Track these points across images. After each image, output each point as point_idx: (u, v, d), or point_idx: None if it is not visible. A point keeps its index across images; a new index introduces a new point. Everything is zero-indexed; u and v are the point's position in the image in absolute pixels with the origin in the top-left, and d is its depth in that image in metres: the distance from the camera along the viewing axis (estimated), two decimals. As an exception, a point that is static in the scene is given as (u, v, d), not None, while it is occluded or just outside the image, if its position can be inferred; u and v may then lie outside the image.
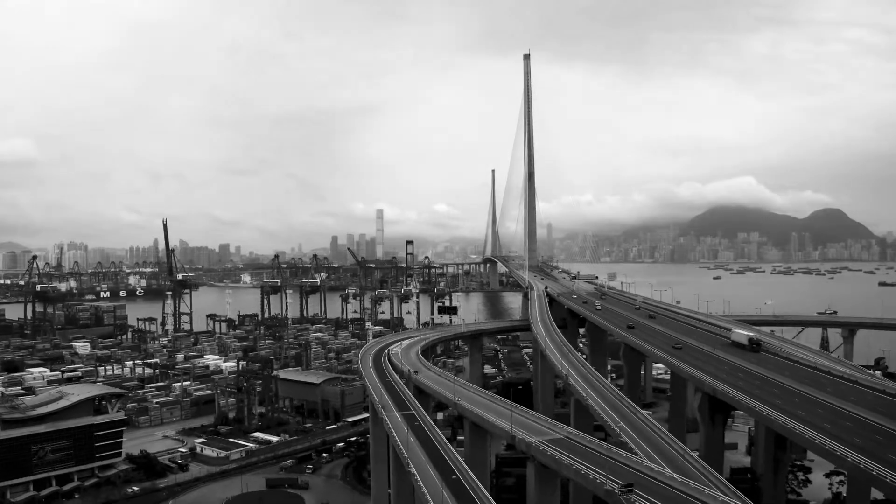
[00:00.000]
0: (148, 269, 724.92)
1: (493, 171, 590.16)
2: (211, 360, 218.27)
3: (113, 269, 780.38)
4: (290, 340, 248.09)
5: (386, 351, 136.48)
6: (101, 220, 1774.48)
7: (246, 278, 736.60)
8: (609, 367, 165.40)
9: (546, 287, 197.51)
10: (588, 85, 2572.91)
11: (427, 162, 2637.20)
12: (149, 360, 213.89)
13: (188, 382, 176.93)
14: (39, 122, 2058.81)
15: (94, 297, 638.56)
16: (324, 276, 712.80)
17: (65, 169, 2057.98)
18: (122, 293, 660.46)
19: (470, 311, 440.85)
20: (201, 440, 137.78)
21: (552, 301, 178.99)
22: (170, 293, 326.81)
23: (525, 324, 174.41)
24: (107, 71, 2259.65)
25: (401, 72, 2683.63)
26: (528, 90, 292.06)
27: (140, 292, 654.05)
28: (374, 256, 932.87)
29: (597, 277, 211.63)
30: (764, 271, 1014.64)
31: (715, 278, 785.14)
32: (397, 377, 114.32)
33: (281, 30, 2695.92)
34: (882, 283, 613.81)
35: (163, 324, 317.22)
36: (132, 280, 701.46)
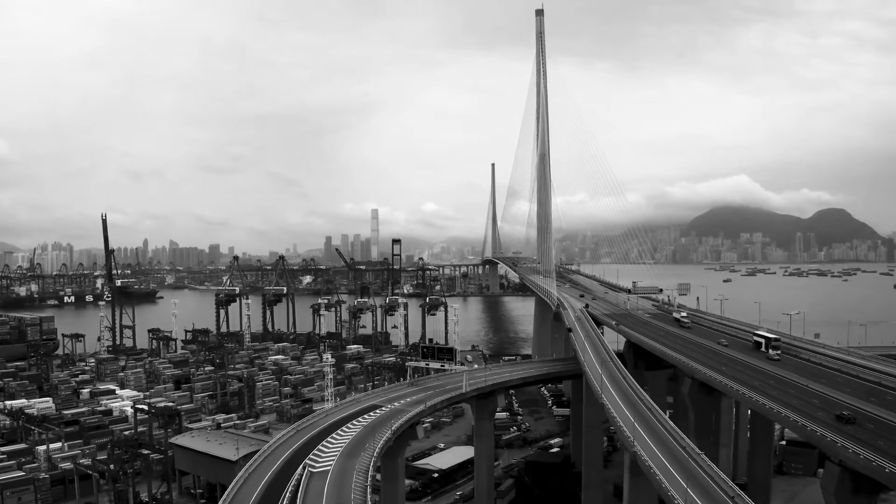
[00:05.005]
0: (118, 272, 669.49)
1: (492, 164, 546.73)
2: (125, 398, 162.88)
3: (81, 271, 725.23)
4: (239, 366, 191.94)
5: (304, 471, 64.91)
6: (90, 220, 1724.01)
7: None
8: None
9: (586, 305, 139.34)
10: (576, 81, 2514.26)
11: (416, 161, 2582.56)
12: (39, 400, 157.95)
13: (59, 444, 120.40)
14: (16, 121, 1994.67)
15: (56, 303, 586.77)
16: (310, 279, 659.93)
17: (43, 168, 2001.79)
18: (89, 297, 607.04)
19: (469, 319, 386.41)
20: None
21: (597, 323, 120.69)
22: (103, 303, 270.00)
23: (569, 370, 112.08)
24: (84, 68, 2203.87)
25: (383, 68, 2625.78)
26: (540, 53, 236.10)
27: (108, 296, 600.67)
28: (370, 257, 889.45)
29: (660, 290, 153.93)
30: (774, 273, 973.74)
31: (725, 281, 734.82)
32: None
33: (259, 23, 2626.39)
34: None
35: (99, 340, 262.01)
36: (100, 283, 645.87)
